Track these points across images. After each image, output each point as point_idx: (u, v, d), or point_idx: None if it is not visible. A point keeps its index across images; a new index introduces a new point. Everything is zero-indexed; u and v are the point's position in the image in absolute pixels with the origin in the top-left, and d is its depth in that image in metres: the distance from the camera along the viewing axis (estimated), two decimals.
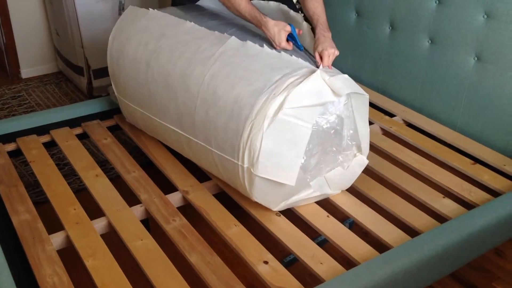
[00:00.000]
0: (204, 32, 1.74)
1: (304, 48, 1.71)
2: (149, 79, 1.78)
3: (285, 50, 1.68)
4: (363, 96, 1.63)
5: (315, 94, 1.49)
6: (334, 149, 1.66)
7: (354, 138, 1.70)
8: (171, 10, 2.01)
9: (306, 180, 1.61)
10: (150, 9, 1.92)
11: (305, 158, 1.59)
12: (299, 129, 1.47)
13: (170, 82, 1.71)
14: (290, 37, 1.69)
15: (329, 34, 1.75)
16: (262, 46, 1.64)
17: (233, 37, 1.67)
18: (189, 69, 1.66)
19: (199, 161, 1.76)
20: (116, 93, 2.04)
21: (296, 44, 1.70)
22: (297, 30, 1.70)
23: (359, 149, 1.72)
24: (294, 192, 1.59)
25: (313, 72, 1.52)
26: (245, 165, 1.51)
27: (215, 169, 1.68)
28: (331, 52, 1.66)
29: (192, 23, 1.79)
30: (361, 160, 1.73)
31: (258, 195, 1.57)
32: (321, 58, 1.67)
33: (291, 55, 1.62)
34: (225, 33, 1.71)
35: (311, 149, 1.60)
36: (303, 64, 1.59)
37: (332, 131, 1.62)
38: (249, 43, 1.64)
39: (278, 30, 1.66)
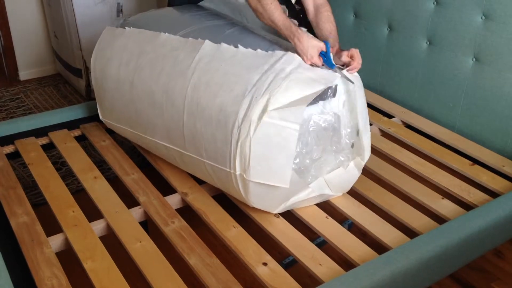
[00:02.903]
0: (179, 41, 1.72)
1: (337, 66, 1.62)
2: (134, 98, 1.78)
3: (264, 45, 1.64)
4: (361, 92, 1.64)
5: (299, 89, 1.47)
6: (334, 147, 1.66)
7: (352, 136, 1.69)
8: (167, 10, 2.01)
9: (302, 181, 1.60)
10: (126, 28, 1.90)
11: (298, 160, 1.58)
12: (286, 131, 1.46)
13: (155, 99, 1.70)
14: (323, 54, 1.60)
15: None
16: (237, 46, 1.60)
17: (207, 41, 1.65)
18: (171, 83, 1.65)
19: (194, 172, 1.76)
20: (101, 117, 2.03)
21: (328, 61, 1.59)
22: (331, 49, 1.62)
23: (360, 148, 1.72)
24: (292, 194, 1.59)
25: (292, 59, 1.50)
26: (238, 172, 1.51)
27: (210, 179, 1.68)
28: (356, 51, 1.64)
29: (167, 34, 1.76)
30: (358, 162, 1.73)
31: (255, 200, 1.57)
32: (351, 58, 1.63)
33: (267, 51, 1.57)
34: (199, 38, 1.68)
35: (310, 150, 1.60)
36: (279, 54, 1.54)
37: (331, 130, 1.62)
38: (223, 45, 1.62)
39: (312, 46, 1.58)
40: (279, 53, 1.56)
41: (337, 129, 1.64)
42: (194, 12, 1.99)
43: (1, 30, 3.21)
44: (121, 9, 3.01)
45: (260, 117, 1.44)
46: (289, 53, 1.56)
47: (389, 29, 2.37)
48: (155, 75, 1.71)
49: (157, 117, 1.71)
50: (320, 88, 1.50)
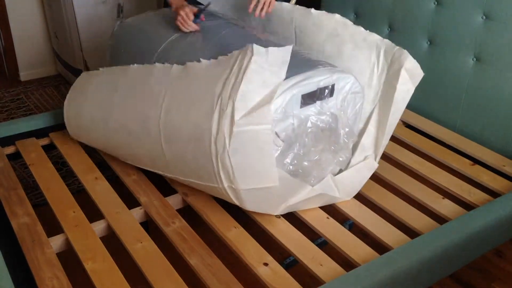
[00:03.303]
0: (148, 69, 1.71)
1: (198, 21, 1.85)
2: (112, 133, 1.78)
3: (219, 46, 1.69)
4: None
5: (262, 84, 1.46)
6: (333, 147, 1.66)
7: (350, 136, 1.69)
8: (164, 12, 2.02)
9: (298, 180, 1.59)
10: (100, 68, 1.89)
11: (295, 161, 1.59)
12: (259, 134, 1.45)
13: (132, 131, 1.70)
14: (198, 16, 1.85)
15: None
16: (199, 61, 1.60)
17: (175, 65, 1.64)
18: (144, 113, 1.65)
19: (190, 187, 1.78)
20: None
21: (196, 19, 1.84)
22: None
23: (363, 149, 1.72)
24: (289, 195, 1.58)
25: (245, 55, 1.47)
26: (226, 185, 1.52)
27: (205, 192, 1.70)
28: None
29: (135, 65, 1.75)
30: (371, 164, 1.72)
31: (251, 205, 1.58)
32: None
33: (226, 54, 1.57)
34: (166, 63, 1.69)
35: (308, 151, 1.60)
36: (236, 54, 1.52)
37: (328, 130, 1.62)
38: (188, 64, 1.61)
39: (187, 9, 1.83)
40: (236, 52, 1.52)
41: (334, 129, 1.64)
42: None
43: (1, 31, 3.21)
44: (121, 10, 3.01)
45: (230, 129, 1.43)
46: (244, 49, 1.50)
47: (389, 29, 2.37)
48: (129, 108, 1.70)
49: (138, 148, 1.72)
50: (275, 84, 1.47)
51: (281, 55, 1.49)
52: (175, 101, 1.58)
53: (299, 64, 1.62)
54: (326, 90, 1.60)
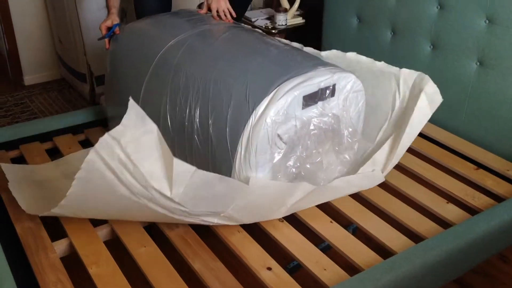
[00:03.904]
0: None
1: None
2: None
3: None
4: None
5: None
6: (337, 148, 1.66)
7: (354, 135, 1.69)
8: (163, 16, 2.06)
9: (286, 179, 1.59)
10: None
11: (298, 164, 1.58)
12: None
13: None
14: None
15: None
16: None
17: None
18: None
19: None
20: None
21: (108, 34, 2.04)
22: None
23: (374, 163, 1.72)
24: (287, 196, 1.56)
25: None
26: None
27: None
28: (220, 5, 1.94)
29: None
30: (378, 176, 1.72)
31: (249, 219, 1.58)
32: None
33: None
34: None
35: (310, 154, 1.60)
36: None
37: (331, 131, 1.62)
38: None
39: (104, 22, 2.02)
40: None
41: (337, 129, 1.64)
42: (188, 17, 2.00)
43: (5, 35, 3.22)
44: (125, 15, 3.02)
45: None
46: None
47: (392, 33, 2.37)
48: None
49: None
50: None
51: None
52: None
53: (299, 65, 1.62)
54: (327, 91, 1.60)
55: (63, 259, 1.49)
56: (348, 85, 1.65)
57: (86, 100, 3.17)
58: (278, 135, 1.53)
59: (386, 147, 1.73)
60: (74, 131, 2.13)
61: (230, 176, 1.54)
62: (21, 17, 3.22)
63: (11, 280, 1.36)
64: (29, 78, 3.41)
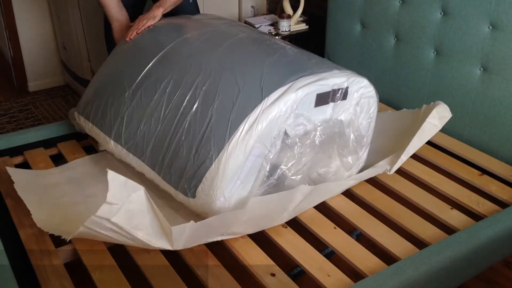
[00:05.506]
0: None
1: None
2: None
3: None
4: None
5: None
6: (341, 151, 1.67)
7: (360, 140, 1.70)
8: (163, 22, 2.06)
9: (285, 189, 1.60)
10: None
11: (302, 174, 1.58)
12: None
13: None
14: None
15: (158, 10, 2.04)
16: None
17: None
18: None
19: None
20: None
21: None
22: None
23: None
24: (287, 201, 1.57)
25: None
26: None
27: None
28: (142, 19, 2.01)
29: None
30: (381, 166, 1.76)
31: (253, 229, 1.58)
32: None
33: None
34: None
35: (315, 162, 1.60)
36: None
37: (337, 137, 1.63)
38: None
39: None
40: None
41: (342, 133, 1.65)
42: (205, 18, 2.04)
43: (10, 42, 3.24)
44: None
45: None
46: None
47: (396, 39, 2.37)
48: None
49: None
50: None
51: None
52: None
53: (315, 65, 1.65)
54: (340, 92, 1.61)
55: (67, 265, 1.49)
56: (360, 90, 1.67)
57: None
58: (285, 130, 1.53)
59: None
60: (78, 137, 2.14)
61: (218, 153, 1.52)
62: (26, 24, 3.24)
63: (15, 286, 1.36)
64: (34, 85, 3.43)
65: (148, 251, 1.51)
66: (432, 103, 1.90)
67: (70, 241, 1.55)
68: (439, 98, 2.22)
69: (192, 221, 1.35)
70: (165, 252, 1.52)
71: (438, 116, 1.80)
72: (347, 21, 2.56)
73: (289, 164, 1.60)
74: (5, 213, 1.69)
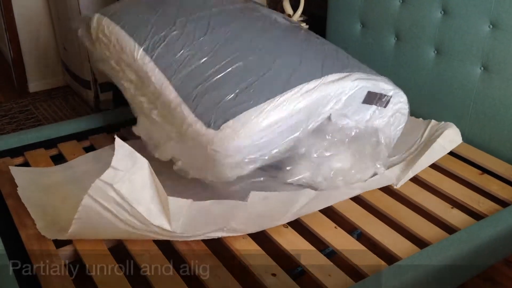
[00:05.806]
0: None
1: None
2: None
3: None
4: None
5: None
6: (357, 156, 1.67)
7: (389, 147, 1.73)
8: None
9: (288, 187, 1.60)
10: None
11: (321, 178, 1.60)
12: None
13: None
14: None
15: None
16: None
17: None
18: None
19: None
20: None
21: None
22: None
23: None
24: (290, 203, 1.57)
25: None
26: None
27: None
28: None
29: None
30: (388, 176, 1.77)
31: (254, 229, 1.58)
32: None
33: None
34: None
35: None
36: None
37: (368, 137, 1.65)
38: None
39: None
40: None
41: (373, 139, 1.68)
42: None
43: (11, 43, 3.24)
44: None
45: None
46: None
47: (396, 38, 2.37)
48: None
49: None
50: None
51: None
52: None
53: (367, 68, 1.73)
54: (385, 98, 1.64)
55: (68, 265, 1.49)
56: (398, 104, 1.70)
57: (91, 107, 3.19)
58: (330, 114, 1.56)
59: (396, 168, 1.81)
60: (79, 137, 2.14)
61: (265, 100, 1.48)
62: (26, 24, 3.24)
63: (15, 287, 1.36)
64: (34, 85, 3.43)
65: (149, 252, 1.51)
66: (443, 122, 1.95)
67: (71, 242, 1.55)
68: (439, 97, 2.22)
69: (191, 200, 1.35)
70: (165, 252, 1.52)
71: (448, 139, 1.84)
72: (347, 21, 2.56)
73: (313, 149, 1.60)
74: (6, 214, 1.69)
